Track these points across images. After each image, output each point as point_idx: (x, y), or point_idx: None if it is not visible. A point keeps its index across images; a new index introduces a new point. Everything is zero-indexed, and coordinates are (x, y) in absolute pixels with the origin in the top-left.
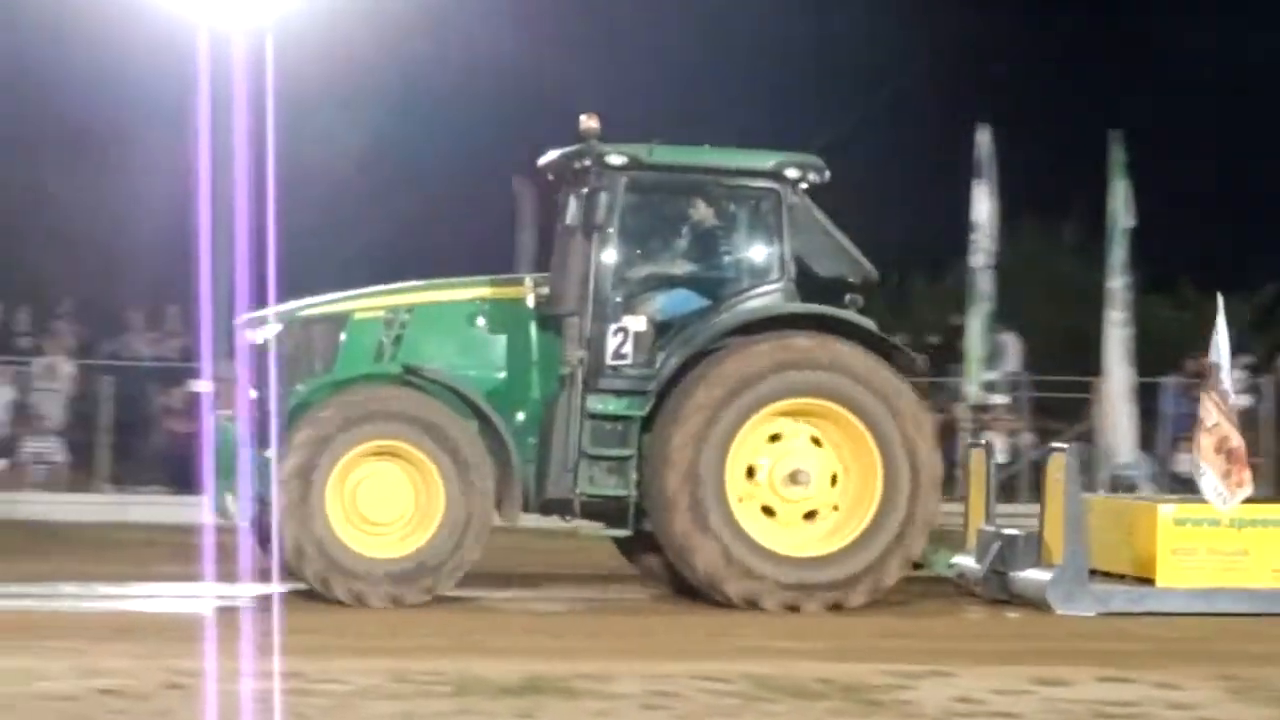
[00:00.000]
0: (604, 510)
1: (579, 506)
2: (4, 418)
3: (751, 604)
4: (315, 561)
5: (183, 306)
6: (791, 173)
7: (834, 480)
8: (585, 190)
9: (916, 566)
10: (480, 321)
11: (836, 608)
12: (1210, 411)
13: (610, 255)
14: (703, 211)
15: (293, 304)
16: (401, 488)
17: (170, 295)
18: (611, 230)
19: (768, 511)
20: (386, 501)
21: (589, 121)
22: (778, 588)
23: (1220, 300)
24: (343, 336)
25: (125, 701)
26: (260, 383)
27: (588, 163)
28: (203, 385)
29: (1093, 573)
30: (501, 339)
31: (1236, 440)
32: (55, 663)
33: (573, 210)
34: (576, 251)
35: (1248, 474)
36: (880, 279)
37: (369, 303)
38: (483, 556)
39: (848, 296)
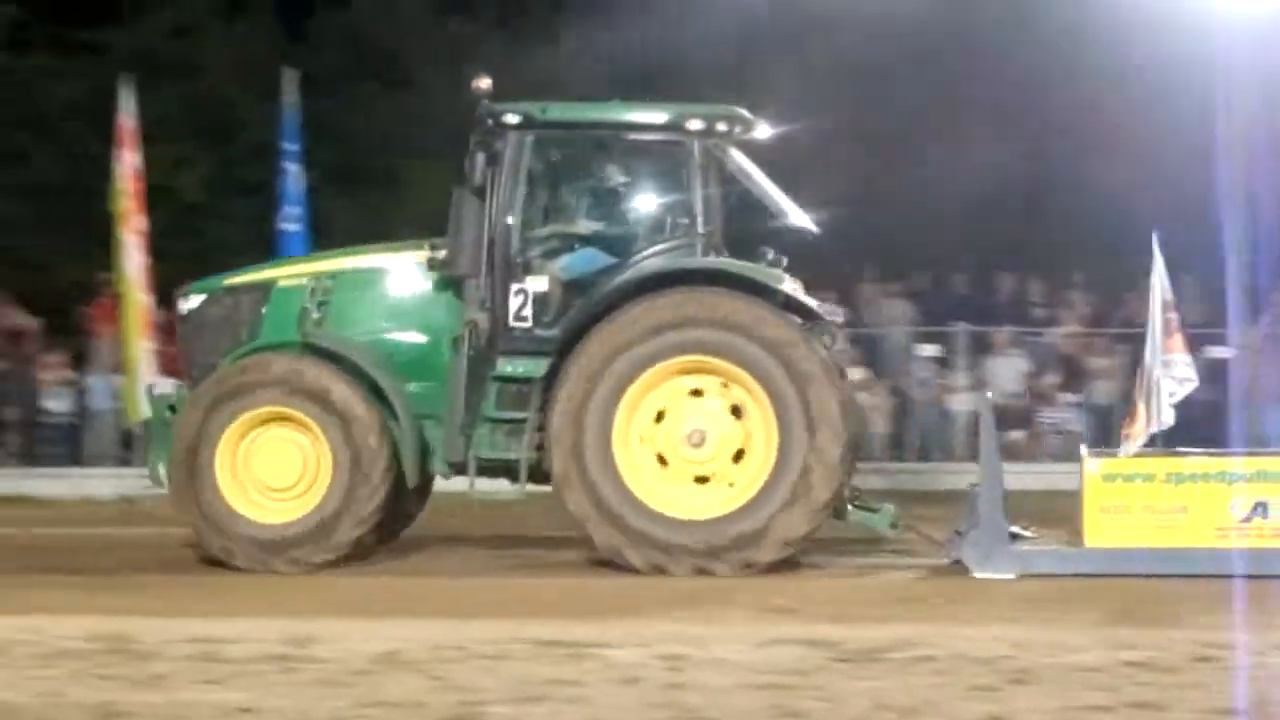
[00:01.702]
0: (502, 473)
1: (476, 470)
2: (1020, 389)
3: (660, 570)
4: (195, 521)
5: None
6: (694, 125)
7: (738, 456)
8: (479, 150)
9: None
10: (395, 287)
11: (748, 568)
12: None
13: (507, 215)
14: (604, 168)
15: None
16: (289, 455)
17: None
18: (507, 190)
19: (661, 461)
20: (271, 468)
21: (479, 82)
22: (683, 553)
23: (1155, 238)
24: (266, 305)
25: (1152, 674)
26: (186, 353)
27: (488, 122)
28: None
29: None
30: (415, 304)
31: (1150, 387)
32: (1081, 634)
33: (480, 169)
34: (471, 212)
35: (1138, 424)
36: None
37: (292, 270)
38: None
39: (763, 249)
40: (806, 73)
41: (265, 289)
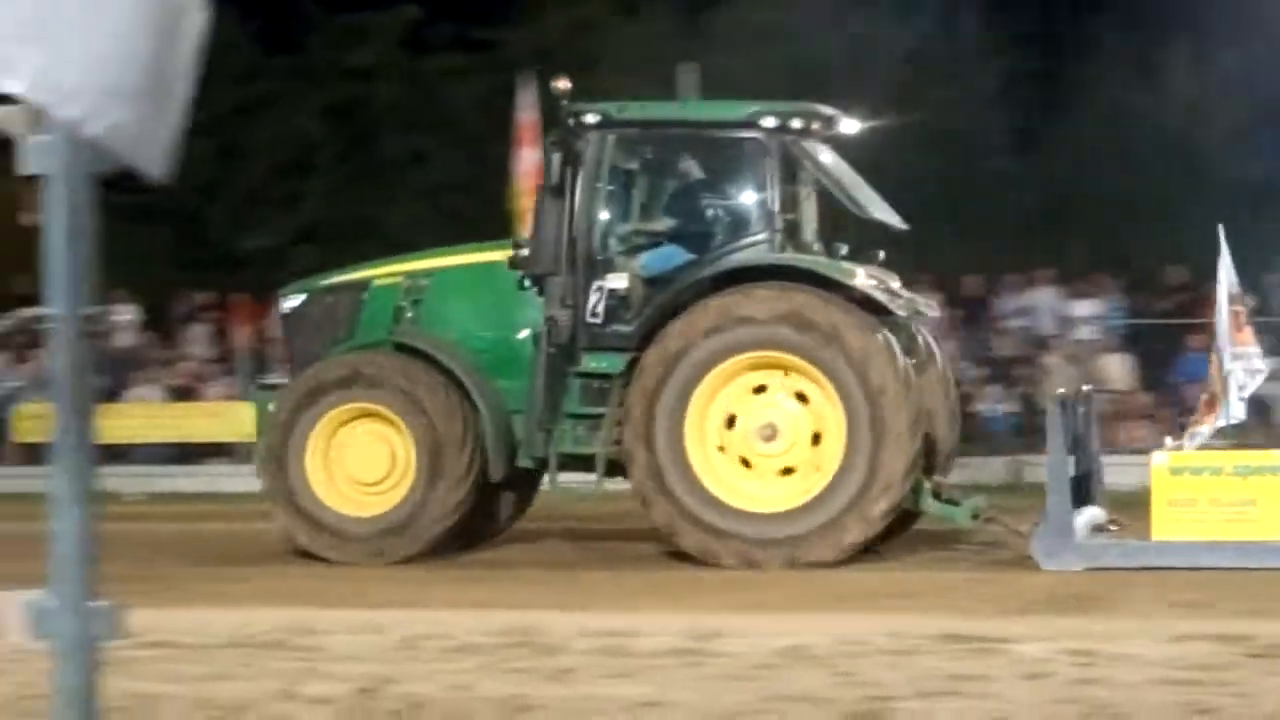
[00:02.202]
0: (582, 468)
1: (557, 465)
2: None
3: (710, 558)
4: (287, 515)
5: None
6: (769, 122)
7: (816, 439)
8: (559, 150)
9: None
10: (484, 286)
11: (793, 564)
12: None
13: (586, 214)
14: (682, 166)
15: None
16: (379, 452)
17: None
18: (587, 188)
19: (745, 464)
20: (360, 463)
21: (559, 83)
22: (734, 542)
23: (1220, 230)
24: (363, 304)
25: None
26: (288, 350)
27: (568, 122)
28: None
29: None
30: (503, 302)
31: (1217, 385)
32: None
33: (555, 170)
34: (552, 211)
35: (1209, 418)
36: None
37: (387, 269)
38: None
39: (839, 247)
40: None
41: (362, 288)
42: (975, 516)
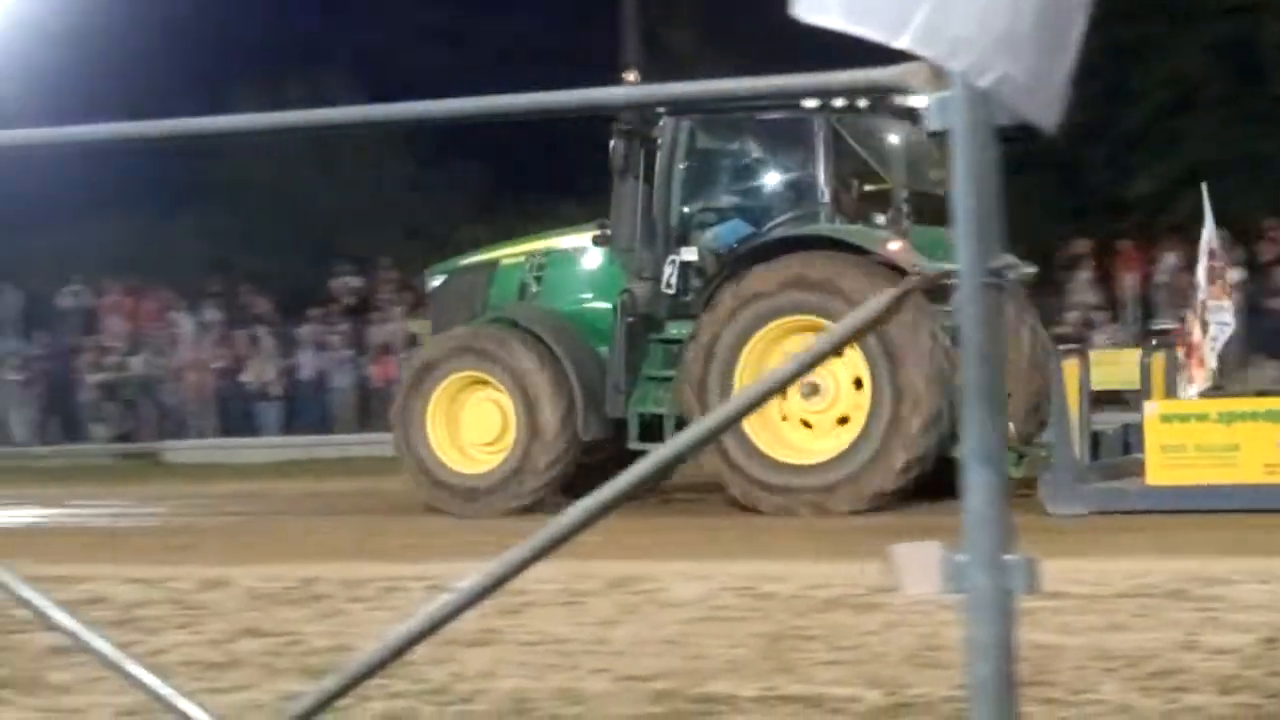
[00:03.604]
0: (657, 428)
1: (637, 425)
2: None
3: (750, 505)
4: (412, 470)
5: None
6: (810, 100)
7: (859, 384)
8: (629, 136)
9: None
10: (587, 261)
11: (823, 512)
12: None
13: (659, 193)
14: (741, 144)
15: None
16: (491, 415)
17: None
18: (659, 170)
19: (806, 425)
20: (477, 425)
21: (628, 75)
22: (770, 492)
23: (1204, 187)
24: (492, 282)
25: None
26: (434, 325)
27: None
28: None
29: None
30: (599, 276)
31: (1196, 335)
32: None
33: (620, 154)
34: (628, 192)
35: (1201, 371)
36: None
37: (513, 250)
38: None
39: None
40: None
41: (492, 267)
42: (1016, 465)
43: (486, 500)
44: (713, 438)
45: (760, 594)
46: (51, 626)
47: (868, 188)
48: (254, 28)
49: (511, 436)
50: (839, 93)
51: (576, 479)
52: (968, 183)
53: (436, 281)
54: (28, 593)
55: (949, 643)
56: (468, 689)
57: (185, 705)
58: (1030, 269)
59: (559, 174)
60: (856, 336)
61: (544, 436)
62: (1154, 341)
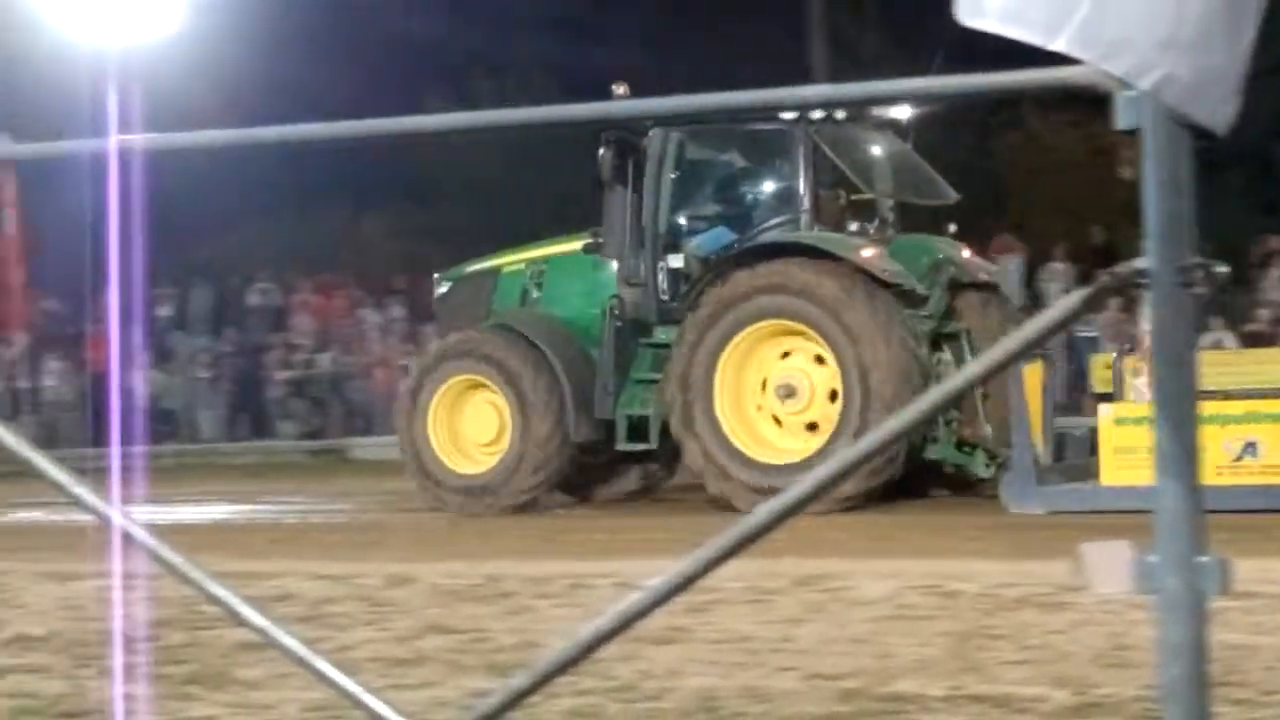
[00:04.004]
0: (644, 430)
1: (625, 427)
2: None
3: (727, 503)
4: (413, 469)
5: None
6: (787, 112)
7: (833, 396)
8: (618, 146)
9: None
10: (582, 269)
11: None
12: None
13: (647, 203)
14: (724, 155)
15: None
16: (489, 416)
17: None
18: (647, 180)
19: (776, 421)
20: (476, 426)
21: (618, 88)
22: (745, 489)
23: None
24: (495, 288)
25: None
26: (439, 331)
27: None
28: None
29: None
30: (594, 282)
31: (1148, 340)
32: None
33: (610, 164)
34: (617, 202)
35: (1145, 374)
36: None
37: (514, 257)
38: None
39: (865, 224)
40: None
41: (494, 275)
42: (987, 466)
43: (483, 498)
44: (893, 441)
45: (947, 592)
46: (241, 623)
47: (854, 197)
48: (441, 28)
49: (508, 437)
50: (1027, 91)
51: (581, 479)
52: (1158, 183)
53: (444, 288)
54: (217, 589)
55: (1138, 642)
56: (655, 686)
57: (372, 702)
58: (1223, 268)
59: None
60: (1047, 337)
61: (537, 437)
62: (1128, 345)
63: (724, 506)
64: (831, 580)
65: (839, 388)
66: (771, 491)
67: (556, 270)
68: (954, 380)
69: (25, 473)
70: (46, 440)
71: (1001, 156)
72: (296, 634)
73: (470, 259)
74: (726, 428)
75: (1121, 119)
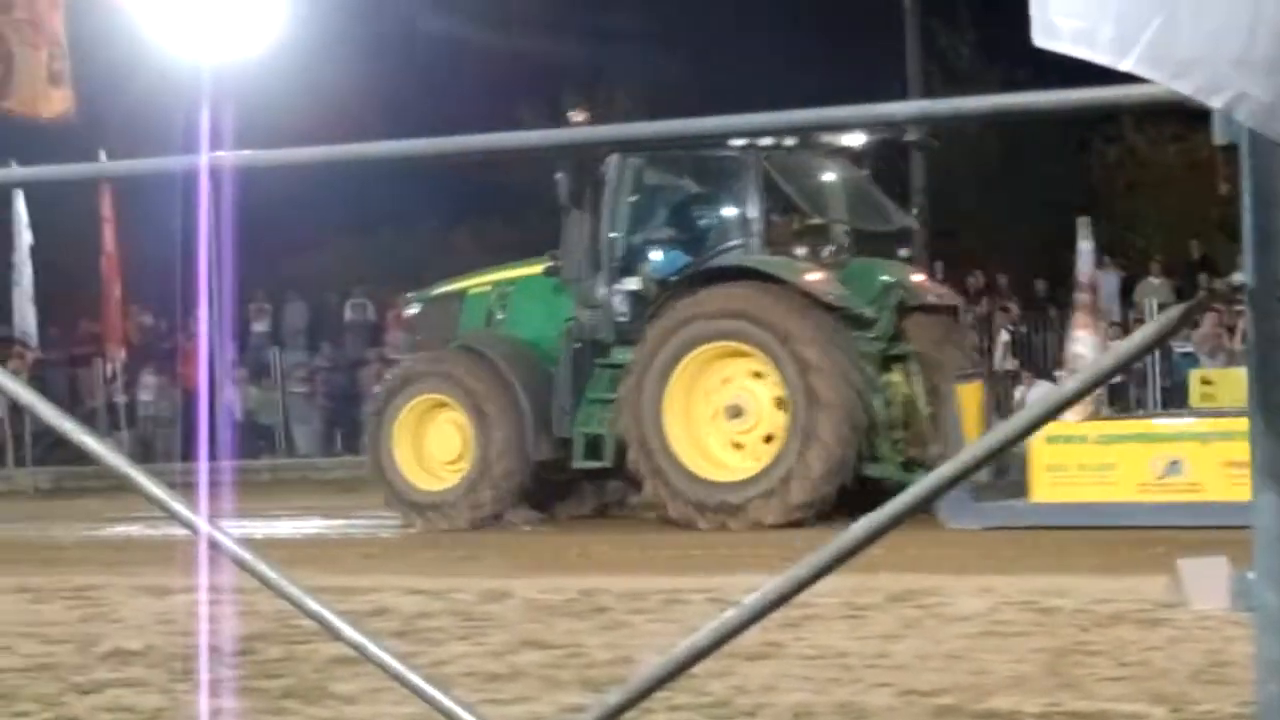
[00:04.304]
0: (600, 447)
1: (582, 445)
2: None
3: (689, 524)
4: (382, 488)
5: None
6: (739, 140)
7: (779, 403)
8: (576, 172)
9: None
10: (543, 291)
11: (758, 525)
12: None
13: (605, 227)
14: (679, 180)
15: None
16: (452, 435)
17: None
18: (605, 204)
19: (736, 446)
20: (440, 444)
21: (575, 115)
22: (704, 510)
23: (1083, 220)
24: (462, 310)
25: None
26: (407, 349)
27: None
28: None
29: None
30: (555, 304)
31: (1071, 363)
32: None
33: (567, 190)
34: (573, 225)
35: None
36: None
37: (480, 280)
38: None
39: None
40: None
41: (461, 297)
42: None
43: (446, 514)
44: (992, 456)
45: (1043, 608)
46: (336, 637)
47: (809, 222)
48: (536, 46)
49: (470, 455)
50: (1122, 109)
51: (546, 496)
52: (1255, 197)
53: (415, 309)
54: (313, 605)
55: (1236, 659)
56: (749, 703)
57: (467, 717)
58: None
59: None
60: (1145, 352)
61: (497, 455)
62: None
63: (684, 526)
64: (926, 596)
65: (786, 408)
66: (723, 509)
67: (519, 293)
68: (1057, 394)
69: (122, 487)
70: (142, 455)
71: (1099, 171)
72: (391, 649)
73: (440, 281)
74: (677, 447)
75: (1219, 134)
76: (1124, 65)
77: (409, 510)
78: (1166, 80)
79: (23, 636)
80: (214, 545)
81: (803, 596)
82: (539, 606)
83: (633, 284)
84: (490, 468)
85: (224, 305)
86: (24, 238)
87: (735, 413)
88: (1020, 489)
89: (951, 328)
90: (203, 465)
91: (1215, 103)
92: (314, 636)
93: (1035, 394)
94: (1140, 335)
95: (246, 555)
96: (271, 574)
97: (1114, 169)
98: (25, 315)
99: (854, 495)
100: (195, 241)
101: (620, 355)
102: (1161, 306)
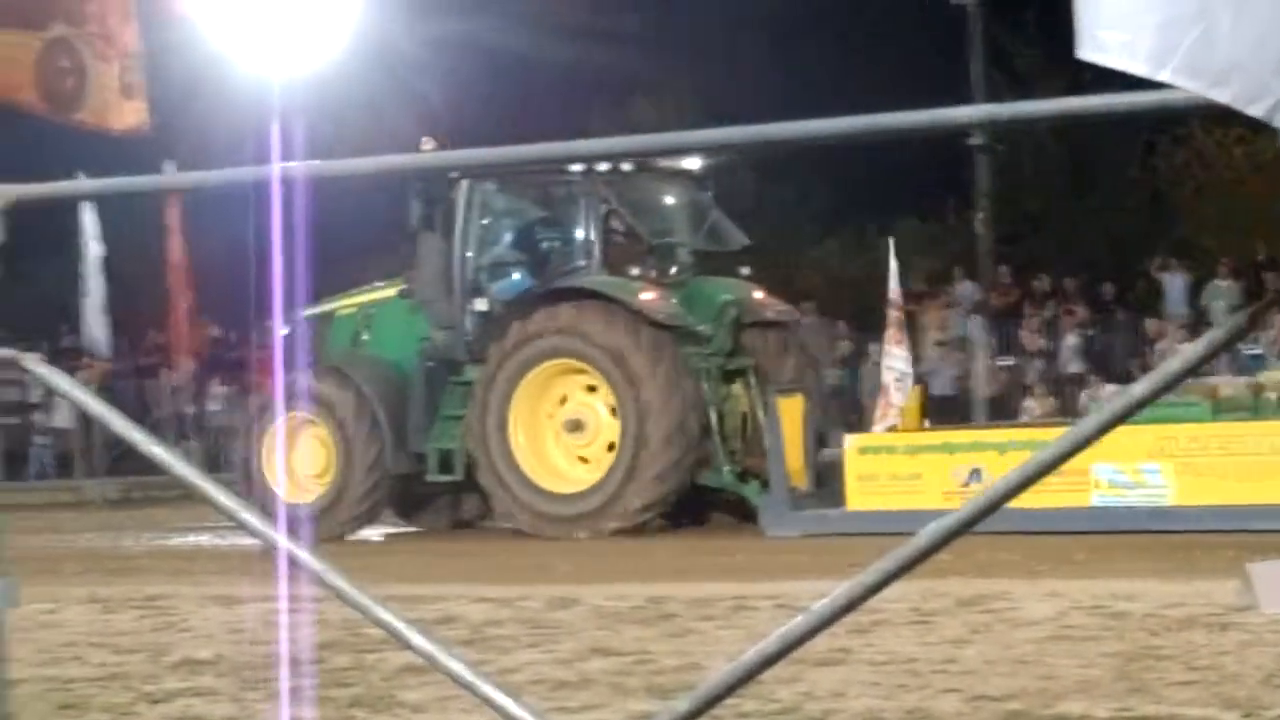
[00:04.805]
0: (452, 461)
1: (434, 460)
2: None
3: (537, 533)
4: (247, 497)
5: None
6: (576, 165)
7: (614, 411)
8: (425, 195)
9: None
10: (401, 313)
11: (600, 534)
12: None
13: (455, 250)
14: (525, 205)
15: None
16: (318, 451)
17: None
18: (456, 229)
19: (582, 460)
20: (307, 459)
21: (425, 144)
22: (550, 520)
23: (890, 241)
24: (330, 330)
25: None
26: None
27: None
28: None
29: None
30: (412, 325)
31: (885, 377)
32: None
33: (419, 214)
34: (425, 249)
35: (892, 409)
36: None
37: (347, 301)
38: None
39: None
40: None
41: (329, 319)
42: (762, 490)
43: (311, 526)
44: (1056, 465)
45: (1113, 613)
46: (405, 646)
47: (655, 242)
48: (604, 53)
49: (333, 470)
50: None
51: (409, 507)
52: None
53: (285, 331)
54: (383, 613)
55: None
56: (818, 709)
57: None
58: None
59: (899, 194)
60: (1214, 355)
61: (358, 469)
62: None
63: (528, 535)
64: (995, 601)
65: (618, 421)
66: (565, 520)
67: (381, 314)
68: (1123, 400)
69: (189, 497)
70: (211, 465)
71: (1166, 173)
72: (460, 657)
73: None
74: (521, 460)
75: None
76: (1162, 76)
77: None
78: (1205, 90)
79: (94, 646)
80: (287, 556)
81: (871, 602)
82: (606, 614)
83: (482, 305)
84: (352, 482)
85: (297, 315)
86: (93, 249)
87: (575, 426)
88: (834, 498)
89: (792, 341)
90: (280, 476)
91: (1255, 111)
92: (382, 645)
93: (1106, 394)
94: (1209, 338)
95: (317, 564)
96: (341, 583)
97: (1181, 171)
98: (95, 326)
99: (690, 502)
100: (265, 251)
101: (471, 373)
102: (1230, 308)
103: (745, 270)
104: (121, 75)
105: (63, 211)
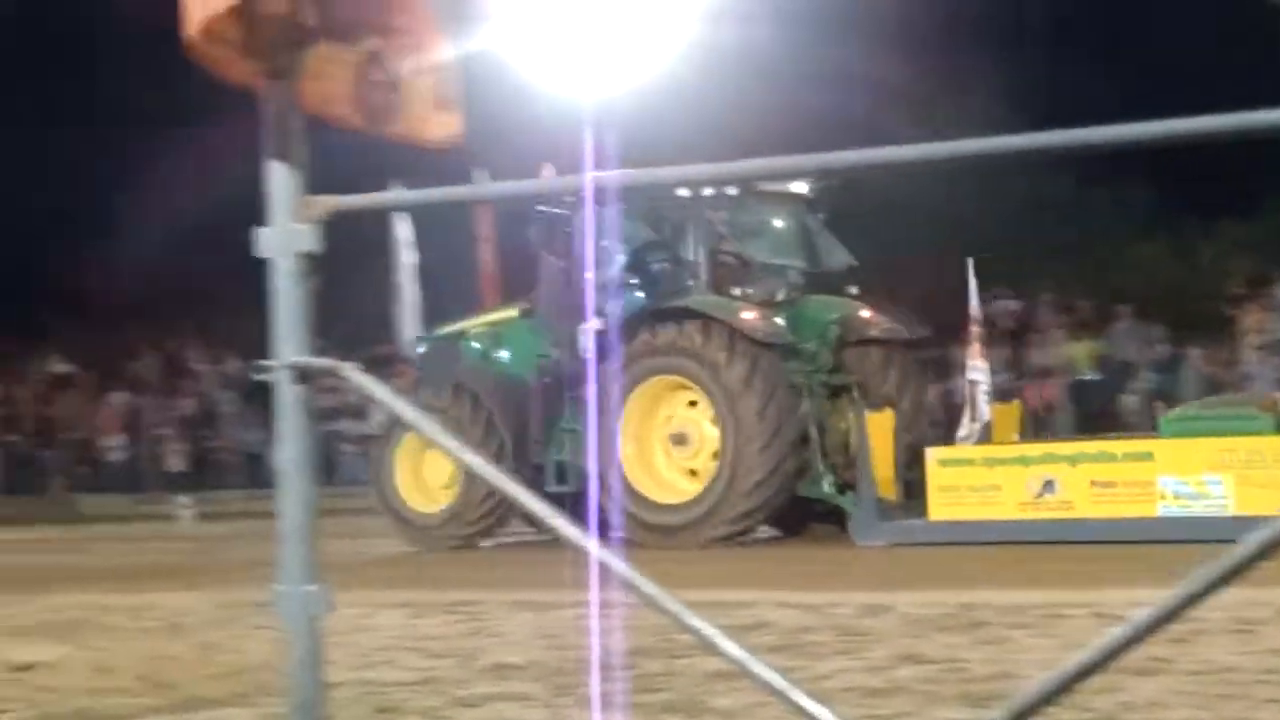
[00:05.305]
0: (567, 472)
1: (553, 470)
2: None
3: (641, 544)
4: (384, 511)
5: None
6: (682, 190)
7: (715, 423)
8: (535, 221)
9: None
10: (523, 332)
11: (707, 544)
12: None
13: (574, 271)
14: (639, 227)
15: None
16: (445, 462)
17: None
18: (573, 251)
19: (692, 473)
20: (436, 470)
21: (543, 169)
22: (654, 530)
23: (970, 262)
24: (461, 350)
25: None
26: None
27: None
28: None
29: None
30: (530, 344)
31: (967, 390)
32: None
33: (541, 237)
34: (544, 270)
35: (976, 424)
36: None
37: (476, 322)
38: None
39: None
40: None
41: (460, 337)
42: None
43: (438, 534)
44: None
45: None
46: (716, 652)
47: (760, 263)
48: (902, 57)
49: (459, 481)
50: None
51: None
52: None
53: (421, 349)
54: (694, 620)
55: None
56: (1137, 719)
57: None
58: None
59: (1221, 195)
60: None
61: (480, 482)
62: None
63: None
64: None
65: (718, 436)
66: (668, 529)
67: (504, 333)
68: None
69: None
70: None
71: None
72: (771, 664)
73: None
74: (628, 472)
75: None
76: None
77: (407, 530)
78: None
79: (406, 650)
80: (601, 564)
81: (1189, 611)
82: (917, 620)
83: (596, 324)
84: (475, 493)
85: (610, 324)
86: (407, 257)
87: (680, 440)
88: (921, 509)
89: (900, 358)
90: (592, 484)
91: None
92: (692, 651)
93: None
94: None
95: (629, 572)
96: (653, 590)
97: None
98: (411, 333)
99: (792, 513)
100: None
101: (574, 390)
102: None
103: (853, 289)
104: (436, 86)
105: (372, 220)
